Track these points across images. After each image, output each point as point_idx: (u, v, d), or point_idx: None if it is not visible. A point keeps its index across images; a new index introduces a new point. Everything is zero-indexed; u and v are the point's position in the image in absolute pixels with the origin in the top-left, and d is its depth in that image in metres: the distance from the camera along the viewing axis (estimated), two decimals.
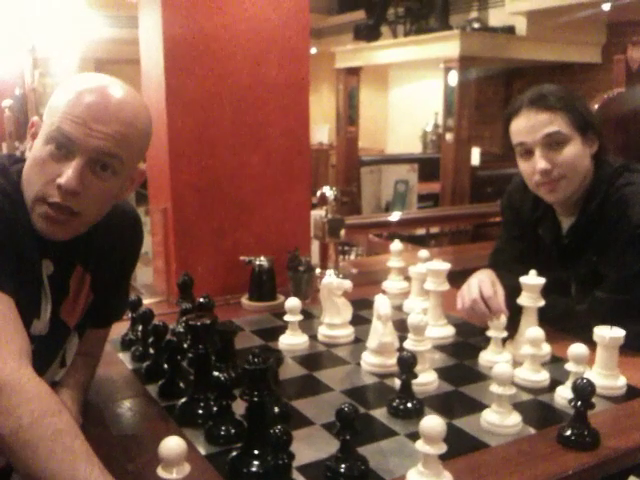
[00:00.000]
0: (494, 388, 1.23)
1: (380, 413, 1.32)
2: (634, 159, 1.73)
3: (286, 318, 1.67)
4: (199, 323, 1.28)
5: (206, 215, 2.04)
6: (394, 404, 1.31)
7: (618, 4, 5.47)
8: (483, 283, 1.63)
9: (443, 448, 1.02)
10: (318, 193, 2.31)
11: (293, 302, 1.65)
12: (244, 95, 2.04)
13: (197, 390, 1.30)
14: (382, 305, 1.52)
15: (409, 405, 1.30)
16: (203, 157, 2.01)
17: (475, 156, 6.67)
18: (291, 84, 2.10)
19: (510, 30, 6.12)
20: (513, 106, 1.66)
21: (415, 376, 1.31)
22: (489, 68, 7.00)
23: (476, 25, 6.14)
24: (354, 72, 7.40)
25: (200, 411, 1.28)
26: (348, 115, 7.38)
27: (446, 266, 1.70)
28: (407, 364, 1.30)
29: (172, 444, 0.96)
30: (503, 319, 1.55)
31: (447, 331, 1.72)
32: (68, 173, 1.07)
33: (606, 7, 5.61)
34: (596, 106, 2.21)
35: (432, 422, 1.02)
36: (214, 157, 2.03)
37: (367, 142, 8.71)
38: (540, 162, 1.59)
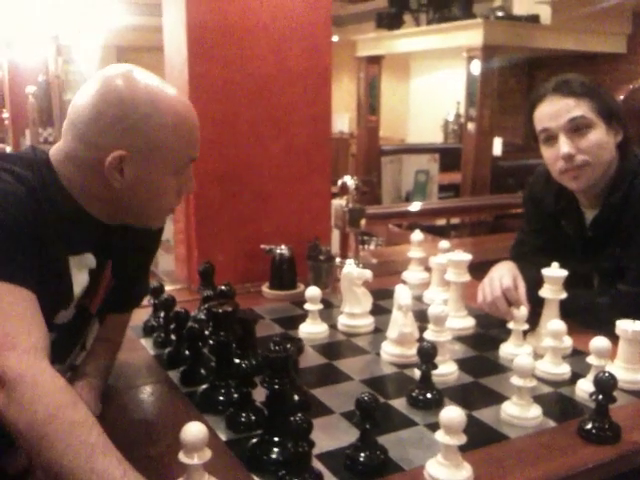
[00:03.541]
0: (515, 380, 1.23)
1: (399, 403, 1.32)
2: None
3: (306, 307, 1.67)
4: (221, 310, 1.28)
5: (227, 203, 2.04)
6: (414, 394, 1.31)
7: None
8: (504, 277, 1.62)
9: (463, 439, 1.02)
10: (339, 182, 2.31)
11: (313, 291, 1.66)
12: (267, 83, 2.03)
13: (218, 377, 1.31)
14: (402, 295, 1.52)
15: (429, 396, 1.30)
16: (225, 145, 2.01)
17: (497, 146, 6.62)
18: (313, 73, 2.09)
19: (534, 19, 6.05)
20: (537, 93, 1.65)
21: (435, 367, 1.31)
22: (512, 58, 6.92)
23: (500, 14, 6.06)
24: (375, 61, 7.36)
25: (221, 398, 1.29)
26: (369, 104, 7.34)
27: (467, 257, 1.69)
28: (427, 355, 1.30)
29: (194, 429, 0.97)
30: (524, 311, 1.54)
31: (467, 322, 1.71)
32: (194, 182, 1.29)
33: None
34: (621, 97, 2.19)
35: (452, 413, 1.02)
36: (236, 145, 2.03)
37: (388, 131, 8.67)
38: (564, 147, 1.58)
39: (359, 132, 7.67)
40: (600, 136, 1.58)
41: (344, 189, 2.25)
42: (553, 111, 1.60)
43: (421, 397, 1.30)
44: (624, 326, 1.36)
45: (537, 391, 1.33)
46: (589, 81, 1.62)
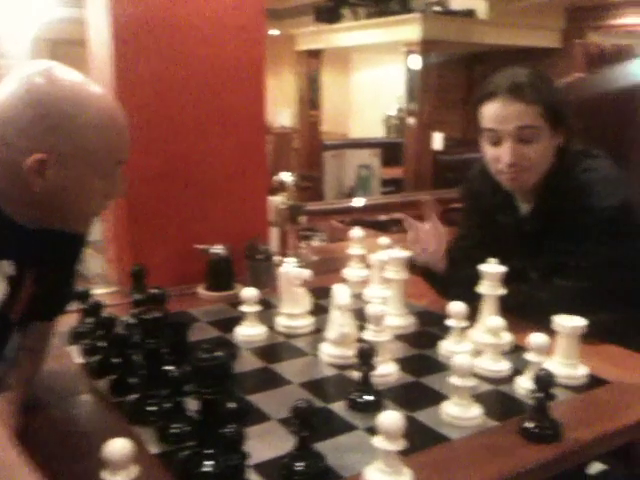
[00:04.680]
0: (454, 380, 1.21)
1: (339, 406, 1.28)
2: (593, 144, 1.72)
3: (242, 309, 1.62)
4: (148, 316, 1.22)
5: (160, 202, 1.97)
6: (353, 397, 1.27)
7: None
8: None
9: (402, 444, 0.99)
10: (275, 179, 2.26)
11: (249, 292, 1.60)
12: (198, 78, 1.96)
13: (148, 386, 1.25)
14: (341, 295, 1.48)
15: (368, 398, 1.26)
16: (156, 142, 1.94)
17: (437, 141, 6.68)
18: (247, 66, 2.03)
19: (470, 14, 6.11)
20: (487, 88, 1.62)
21: (373, 368, 1.28)
22: (451, 53, 6.99)
23: (437, 8, 6.10)
24: (315, 55, 7.32)
25: (151, 408, 1.22)
26: (310, 98, 7.30)
27: (406, 254, 1.66)
28: (366, 356, 1.27)
29: (117, 446, 0.91)
30: (462, 308, 1.51)
31: (408, 320, 1.68)
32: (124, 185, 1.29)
33: None
34: None
35: (390, 418, 0.99)
36: (167, 142, 1.95)
37: (330, 126, 8.64)
38: (507, 156, 1.57)
39: (301, 127, 7.62)
40: (545, 145, 1.59)
41: (281, 186, 2.20)
42: (503, 114, 1.58)
43: (360, 400, 1.26)
44: (561, 321, 1.36)
45: (477, 389, 1.31)
46: (542, 82, 1.60)
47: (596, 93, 2.29)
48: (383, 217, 5.02)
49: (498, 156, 1.60)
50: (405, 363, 1.46)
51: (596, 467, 1.61)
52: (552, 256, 1.62)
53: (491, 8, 6.07)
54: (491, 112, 1.60)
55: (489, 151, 1.63)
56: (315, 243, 3.53)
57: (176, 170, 1.98)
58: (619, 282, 1.55)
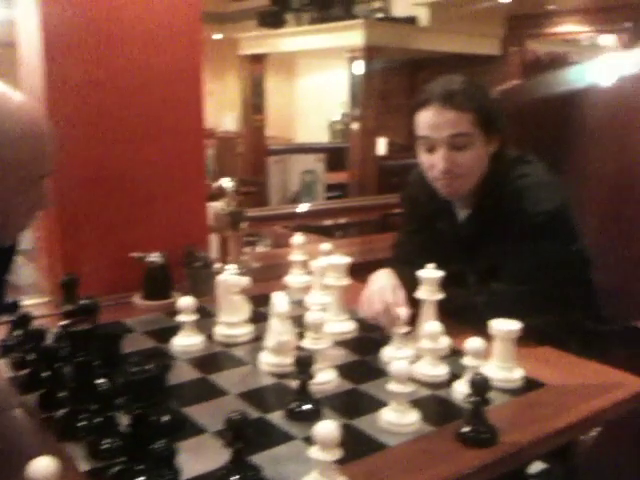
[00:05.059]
0: (391, 386, 1.20)
1: (277, 416, 1.26)
2: (529, 150, 1.74)
3: (179, 318, 1.58)
4: (76, 328, 1.18)
5: (94, 209, 1.91)
6: (290, 406, 1.25)
7: None
8: (384, 291, 1.59)
9: (338, 454, 0.98)
10: (214, 185, 2.23)
11: (186, 301, 1.56)
12: (133, 82, 1.92)
13: (78, 400, 1.20)
14: (279, 302, 1.46)
15: (306, 407, 1.25)
16: (91, 147, 1.88)
17: (381, 146, 6.72)
18: (182, 71, 1.99)
19: (411, 21, 6.18)
20: (421, 97, 1.63)
21: (311, 377, 1.26)
22: (394, 59, 7.05)
23: (379, 15, 6.15)
24: (259, 59, 7.28)
25: (81, 423, 1.17)
26: (254, 103, 7.26)
27: (346, 260, 1.66)
28: (303, 364, 1.25)
29: (41, 465, 0.87)
30: (404, 314, 1.52)
31: (348, 326, 1.67)
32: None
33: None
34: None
35: (325, 428, 0.98)
36: (101, 147, 1.90)
37: (276, 131, 8.62)
38: (441, 162, 1.59)
39: (246, 131, 7.56)
40: (478, 152, 1.60)
41: (221, 192, 2.17)
42: (436, 122, 1.59)
43: (298, 409, 1.25)
44: (497, 325, 1.37)
45: (415, 395, 1.31)
46: (475, 89, 1.61)
47: (533, 99, 2.34)
48: (328, 222, 5.03)
49: (432, 163, 1.61)
50: (345, 370, 1.44)
51: (536, 466, 1.63)
52: (489, 261, 1.63)
53: (432, 15, 6.15)
54: (425, 120, 1.61)
55: (424, 158, 1.65)
56: (260, 249, 3.50)
57: (109, 177, 1.93)
58: (554, 285, 1.57)
